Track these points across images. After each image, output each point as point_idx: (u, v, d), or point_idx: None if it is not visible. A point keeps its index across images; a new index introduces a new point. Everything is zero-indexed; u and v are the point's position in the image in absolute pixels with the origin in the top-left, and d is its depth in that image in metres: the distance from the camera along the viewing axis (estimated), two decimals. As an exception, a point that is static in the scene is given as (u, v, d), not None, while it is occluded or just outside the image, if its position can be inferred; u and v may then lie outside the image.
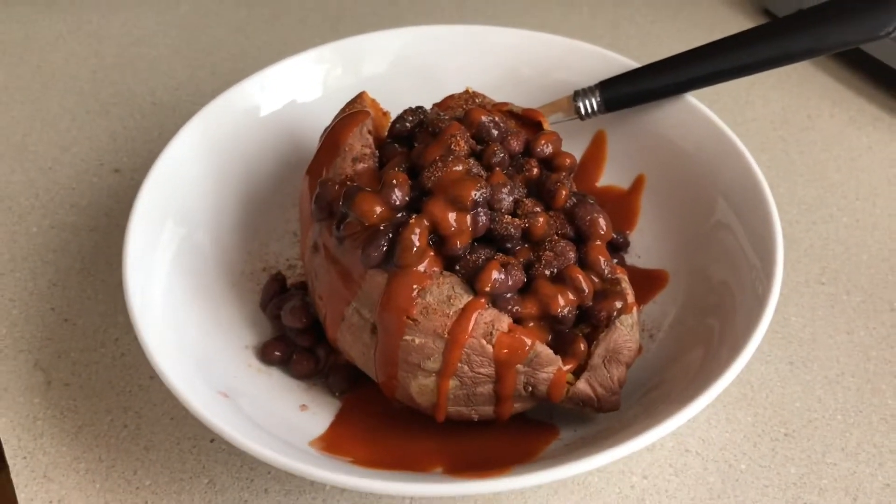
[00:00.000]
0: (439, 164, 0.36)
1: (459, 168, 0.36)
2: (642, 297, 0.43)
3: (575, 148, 0.47)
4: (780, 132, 0.56)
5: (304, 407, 0.39)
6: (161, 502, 0.37)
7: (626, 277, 0.38)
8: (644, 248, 0.45)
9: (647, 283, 0.43)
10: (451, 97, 0.43)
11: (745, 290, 0.37)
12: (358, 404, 0.39)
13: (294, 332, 0.40)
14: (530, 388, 0.35)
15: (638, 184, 0.47)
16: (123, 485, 0.38)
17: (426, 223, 0.34)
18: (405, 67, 0.49)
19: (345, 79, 0.48)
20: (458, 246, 0.35)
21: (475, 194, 0.35)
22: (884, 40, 0.42)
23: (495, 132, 0.39)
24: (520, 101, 0.45)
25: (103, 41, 0.63)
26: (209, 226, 0.43)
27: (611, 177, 0.48)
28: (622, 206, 0.47)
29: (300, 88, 0.48)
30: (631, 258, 0.45)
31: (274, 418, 0.37)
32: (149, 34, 0.64)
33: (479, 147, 0.38)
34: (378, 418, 0.39)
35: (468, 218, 0.35)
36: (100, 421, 0.40)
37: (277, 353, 0.40)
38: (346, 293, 0.36)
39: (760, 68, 0.43)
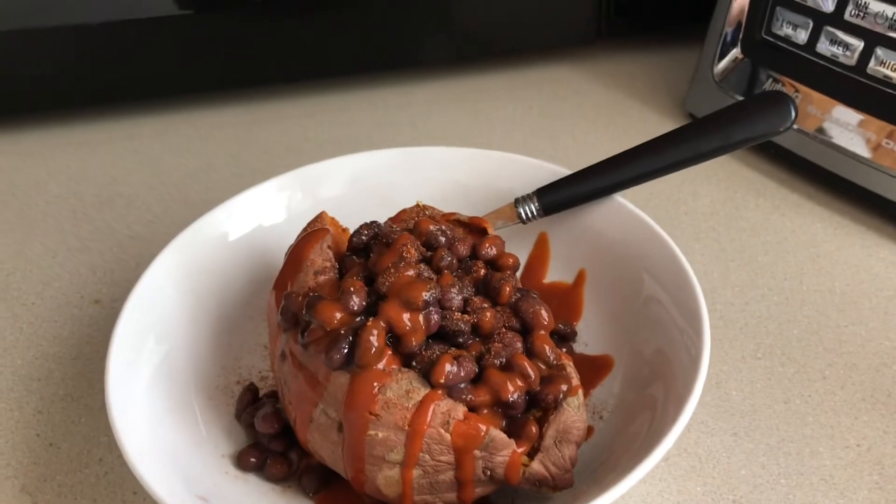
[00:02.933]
0: (392, 270, 0.40)
1: (411, 273, 0.40)
2: (590, 381, 0.46)
3: (521, 250, 0.52)
4: (711, 223, 0.60)
5: (280, 509, 0.41)
6: None
7: (570, 363, 0.41)
8: (590, 336, 0.49)
9: (594, 368, 0.47)
10: (403, 211, 0.48)
11: (680, 352, 0.41)
12: (331, 502, 0.42)
13: (267, 438, 0.43)
14: (489, 472, 0.38)
15: (580, 278, 0.51)
16: None
17: (383, 324, 0.38)
18: (360, 188, 0.53)
19: (305, 202, 0.53)
20: (414, 343, 0.38)
21: (426, 295, 0.38)
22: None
23: (443, 239, 0.43)
24: (467, 211, 0.49)
25: (81, 183, 0.67)
26: (186, 344, 0.46)
27: (555, 274, 0.52)
28: (567, 299, 0.51)
29: (265, 213, 0.52)
30: (579, 347, 0.48)
31: (251, 519, 0.39)
32: (124, 173, 0.68)
33: (428, 253, 0.42)
34: (350, 513, 0.41)
35: (421, 317, 0.38)
36: (85, 538, 0.42)
37: (252, 460, 0.43)
38: (313, 395, 0.39)
39: (678, 167, 0.48)
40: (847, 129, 0.59)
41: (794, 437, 0.46)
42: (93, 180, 0.68)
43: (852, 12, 0.57)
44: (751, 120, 0.47)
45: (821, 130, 0.60)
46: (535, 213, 0.51)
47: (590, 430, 0.44)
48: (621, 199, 0.49)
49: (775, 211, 0.61)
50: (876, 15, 0.56)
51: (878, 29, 0.56)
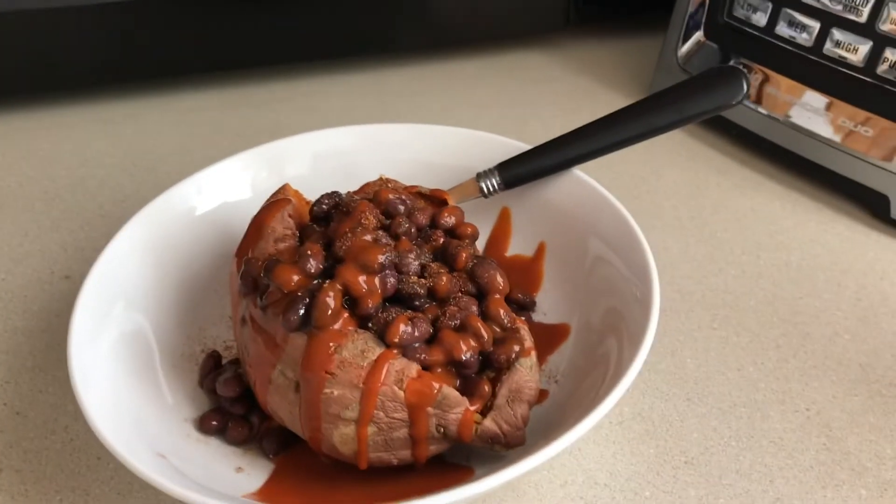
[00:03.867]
0: (349, 234, 0.41)
1: (368, 237, 0.41)
2: (547, 349, 0.47)
3: (484, 225, 0.53)
4: (672, 201, 0.62)
5: (239, 469, 0.42)
6: (108, 570, 0.40)
7: (525, 327, 0.42)
8: (549, 306, 0.50)
9: (552, 336, 0.48)
10: (366, 184, 0.48)
11: (630, 304, 0.42)
12: (290, 463, 0.42)
13: (228, 402, 0.44)
14: (442, 430, 0.39)
15: (540, 250, 0.52)
16: (72, 557, 0.40)
17: (339, 287, 0.39)
18: (325, 165, 0.54)
19: (270, 179, 0.54)
20: (370, 305, 0.39)
21: (381, 258, 0.39)
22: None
23: (402, 207, 0.44)
24: (429, 186, 0.50)
25: (54, 164, 0.68)
26: (150, 313, 0.47)
27: (518, 247, 0.53)
28: (528, 271, 0.52)
29: (231, 190, 0.53)
30: (538, 316, 0.50)
31: (211, 477, 0.40)
32: (97, 156, 0.69)
33: (387, 221, 0.43)
34: (309, 473, 0.42)
35: (377, 280, 0.39)
36: (49, 501, 0.43)
37: (214, 423, 0.43)
38: (271, 357, 0.40)
39: (635, 141, 0.49)
40: (807, 109, 0.60)
41: (746, 402, 0.47)
42: (65, 162, 0.68)
43: (809, -6, 0.59)
44: (704, 94, 0.48)
45: (781, 111, 0.62)
46: (496, 186, 0.52)
47: (544, 393, 0.45)
48: (578, 171, 0.51)
49: (735, 189, 0.63)
50: (831, -4, 0.57)
51: (834, 10, 0.57)
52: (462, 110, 0.74)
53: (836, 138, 0.59)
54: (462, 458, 0.42)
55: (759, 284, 0.54)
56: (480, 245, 0.54)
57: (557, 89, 0.76)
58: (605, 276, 0.46)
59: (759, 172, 0.65)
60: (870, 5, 0.55)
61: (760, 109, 0.63)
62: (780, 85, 0.62)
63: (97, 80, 0.75)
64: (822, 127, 0.60)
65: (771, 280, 0.55)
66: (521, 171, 0.51)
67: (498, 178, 0.51)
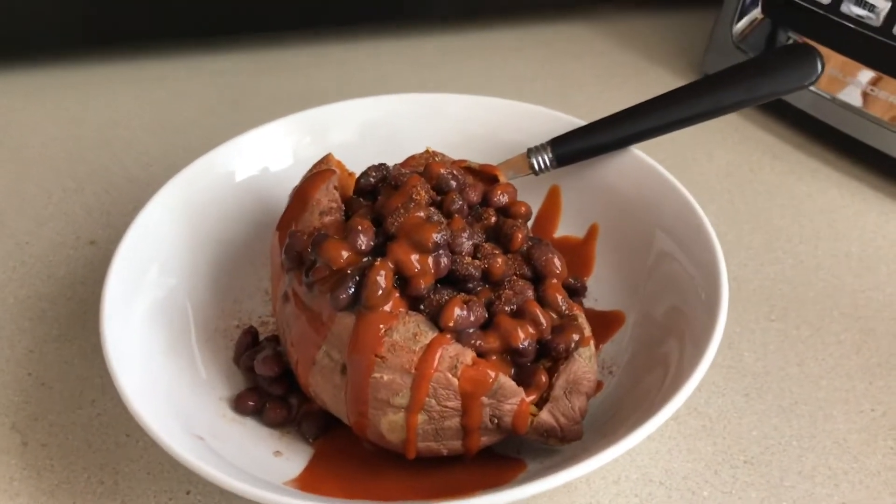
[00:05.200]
0: (401, 210, 0.38)
1: (421, 214, 0.38)
2: (601, 337, 0.45)
3: (532, 203, 0.50)
4: (725, 185, 0.59)
5: (278, 453, 0.40)
6: (138, 554, 0.38)
7: (582, 314, 0.40)
8: (601, 292, 0.47)
9: (605, 323, 0.45)
10: (412, 157, 0.46)
11: (696, 308, 0.39)
12: (331, 449, 0.40)
13: (267, 382, 0.42)
14: (496, 420, 0.37)
15: (592, 232, 0.49)
16: (100, 539, 0.38)
17: (391, 265, 0.36)
18: (369, 134, 0.52)
19: (313, 147, 0.51)
20: (422, 286, 0.37)
21: (436, 237, 0.37)
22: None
23: (454, 183, 0.41)
24: (478, 161, 0.47)
25: (80, 125, 0.65)
26: (184, 284, 0.45)
27: (566, 228, 0.50)
28: (578, 254, 0.49)
29: (271, 156, 0.50)
30: (589, 302, 0.47)
31: (248, 461, 0.38)
32: (124, 117, 0.67)
33: (438, 197, 0.41)
34: (351, 460, 0.40)
35: (430, 259, 0.37)
36: (76, 478, 0.41)
37: (251, 403, 0.41)
38: (316, 337, 0.38)
39: (698, 120, 0.47)
40: (869, 92, 0.57)
41: (808, 399, 0.44)
42: (91, 123, 0.66)
43: (880, -29, 0.55)
44: (776, 74, 0.45)
45: (842, 93, 0.59)
46: (547, 164, 0.49)
47: (599, 384, 0.43)
48: (638, 151, 0.48)
49: (791, 175, 0.60)
50: (905, -26, 0.54)
51: (907, -11, 0.54)
52: (500, 83, 0.71)
53: (885, 117, 0.56)
54: (513, 450, 0.40)
55: (818, 276, 0.52)
56: (529, 223, 0.51)
57: (601, 63, 0.73)
58: (668, 272, 0.43)
59: (814, 157, 0.62)
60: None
61: (820, 92, 0.60)
62: (842, 66, 0.59)
63: (127, 40, 0.72)
64: (885, 111, 0.57)
65: (830, 271, 0.52)
66: (575, 149, 0.49)
67: (550, 155, 0.49)
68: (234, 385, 0.43)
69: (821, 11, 0.60)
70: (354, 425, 0.38)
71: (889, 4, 0.56)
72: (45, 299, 0.50)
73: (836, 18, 0.59)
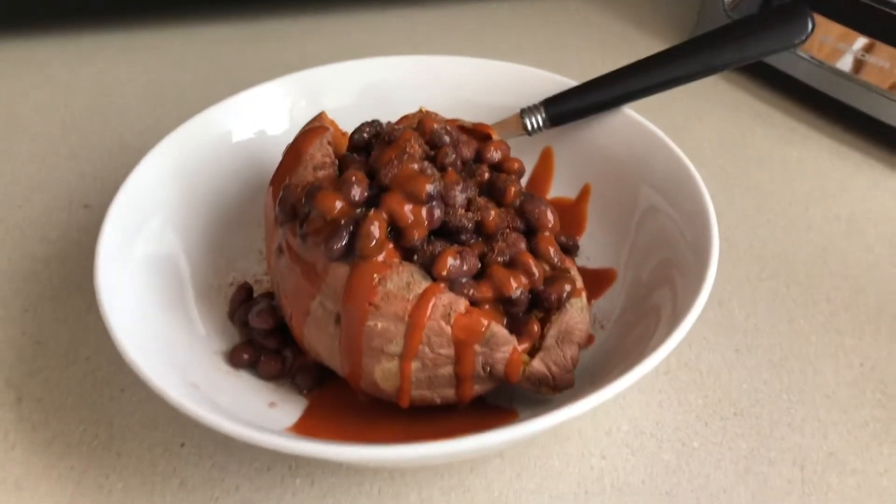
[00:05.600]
0: (395, 162, 0.38)
1: (414, 166, 0.38)
2: (593, 294, 0.45)
3: (525, 164, 0.50)
4: (717, 150, 0.59)
5: (272, 404, 0.40)
6: (133, 503, 0.38)
7: (574, 267, 0.40)
8: (593, 250, 0.48)
9: (597, 281, 0.46)
10: (405, 116, 0.46)
11: (686, 257, 0.40)
12: (325, 400, 0.41)
13: (261, 335, 0.42)
14: (488, 368, 0.37)
15: (584, 193, 0.49)
16: (95, 489, 0.38)
17: (384, 216, 0.37)
18: (364, 97, 0.52)
19: (309, 109, 0.51)
20: (416, 237, 0.37)
21: (429, 188, 0.37)
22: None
23: (447, 138, 0.41)
24: (472, 121, 0.48)
25: (72, 92, 0.65)
26: (179, 242, 0.45)
27: (560, 189, 0.51)
28: (571, 214, 0.49)
29: (266, 119, 0.50)
30: (581, 261, 0.47)
31: (243, 412, 0.38)
32: (117, 85, 0.66)
33: (432, 152, 0.41)
34: (345, 411, 0.40)
35: (423, 210, 0.37)
36: (71, 432, 0.41)
37: (245, 356, 0.41)
38: (310, 288, 0.38)
39: (689, 79, 0.47)
40: (859, 58, 0.58)
41: (798, 355, 0.45)
42: (83, 91, 0.66)
43: (871, -64, 0.56)
44: (767, 32, 0.45)
45: (832, 60, 0.59)
46: (540, 124, 0.49)
47: (591, 338, 0.43)
48: (628, 110, 0.48)
49: (781, 140, 0.60)
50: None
51: (898, -47, 0.55)
52: (495, 54, 0.71)
53: (884, 85, 0.56)
54: (505, 400, 0.40)
55: (807, 237, 0.52)
56: (522, 178, 0.51)
57: (594, 34, 0.73)
58: (658, 226, 0.44)
59: (805, 123, 0.62)
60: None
61: (810, 57, 0.60)
62: (833, 32, 0.59)
63: (118, 8, 0.72)
64: (876, 77, 0.57)
65: (820, 233, 0.52)
66: (567, 108, 0.49)
67: (543, 115, 0.49)
68: (229, 340, 0.43)
69: (812, -22, 0.60)
70: (349, 375, 0.38)
71: (880, -30, 0.56)
72: (40, 261, 0.50)
73: (827, -15, 0.59)
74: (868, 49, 0.57)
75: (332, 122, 0.45)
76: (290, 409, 0.40)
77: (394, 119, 0.47)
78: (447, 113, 0.49)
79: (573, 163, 0.50)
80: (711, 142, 0.60)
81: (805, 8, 0.44)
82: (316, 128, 0.43)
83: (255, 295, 0.45)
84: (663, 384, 0.43)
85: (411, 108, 0.48)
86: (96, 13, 0.73)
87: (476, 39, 0.73)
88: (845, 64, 0.59)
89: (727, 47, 0.46)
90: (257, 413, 0.39)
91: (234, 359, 0.42)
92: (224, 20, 0.74)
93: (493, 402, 0.40)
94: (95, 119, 0.63)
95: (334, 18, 0.75)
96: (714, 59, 0.46)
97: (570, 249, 0.48)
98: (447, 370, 0.37)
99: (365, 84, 0.52)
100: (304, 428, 0.38)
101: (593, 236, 0.48)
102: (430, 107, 0.49)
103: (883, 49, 0.57)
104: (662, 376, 0.44)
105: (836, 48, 0.59)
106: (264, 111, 0.50)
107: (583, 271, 0.46)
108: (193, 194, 0.46)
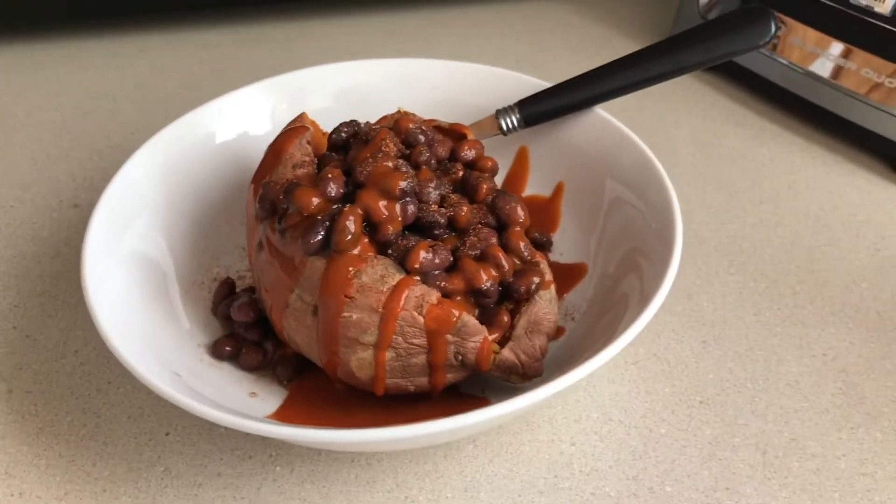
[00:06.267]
0: (370, 160, 0.40)
1: (389, 164, 0.40)
2: (565, 287, 0.47)
3: (502, 163, 0.52)
4: (690, 149, 0.61)
5: (253, 394, 0.41)
6: (119, 489, 0.39)
7: (545, 261, 0.42)
8: (566, 246, 0.49)
9: (569, 275, 0.47)
10: (384, 117, 0.48)
11: (652, 244, 0.42)
12: (304, 390, 0.42)
13: (243, 327, 0.43)
14: (460, 357, 0.39)
15: (558, 190, 0.51)
16: (83, 476, 0.40)
17: (360, 211, 0.38)
18: (344, 99, 0.53)
19: (290, 111, 0.53)
20: (390, 231, 0.38)
21: (403, 184, 0.39)
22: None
23: (422, 137, 0.43)
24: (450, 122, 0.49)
25: (64, 95, 0.67)
26: (163, 240, 0.46)
27: (535, 187, 0.52)
28: (545, 211, 0.51)
29: (249, 120, 0.52)
30: (555, 256, 0.49)
31: (225, 399, 0.39)
32: (108, 88, 0.68)
33: (407, 151, 0.43)
34: (323, 400, 0.41)
35: (397, 206, 0.39)
36: (60, 422, 0.42)
37: (228, 348, 0.43)
38: (289, 281, 0.40)
39: (659, 80, 0.48)
40: (830, 60, 0.59)
41: (763, 346, 0.46)
42: (74, 93, 0.67)
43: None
44: (732, 33, 0.47)
45: (804, 62, 0.61)
46: (515, 124, 0.51)
47: (561, 330, 0.45)
48: (599, 110, 0.50)
49: (754, 140, 0.62)
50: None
51: (863, -42, 0.56)
52: (477, 56, 0.73)
53: (859, 90, 0.58)
54: (478, 389, 0.42)
55: (776, 233, 0.54)
56: (498, 184, 0.53)
57: (575, 37, 0.75)
58: (624, 216, 0.46)
59: (777, 124, 0.64)
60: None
61: (782, 60, 0.62)
62: (804, 35, 0.61)
63: (109, 14, 0.73)
64: (844, 78, 0.59)
65: (789, 229, 0.54)
66: (541, 109, 0.50)
67: (518, 116, 0.51)
68: (212, 333, 0.45)
69: (783, -18, 0.62)
70: (326, 364, 0.40)
71: (847, -26, 0.58)
72: (30, 258, 0.52)
73: (797, -11, 0.61)
74: (843, 54, 0.59)
75: (313, 123, 0.47)
76: (270, 398, 0.41)
77: (374, 120, 0.48)
78: (425, 114, 0.51)
79: (548, 162, 0.52)
80: (685, 141, 0.62)
81: (768, 11, 0.46)
82: (296, 128, 0.45)
83: (237, 290, 0.46)
84: (633, 374, 0.45)
85: (391, 109, 0.50)
86: (88, 18, 0.74)
87: (459, 42, 0.75)
88: (819, 67, 0.60)
89: (694, 49, 0.47)
90: (239, 402, 0.40)
91: (216, 351, 0.43)
92: (212, 25, 0.76)
93: (466, 390, 0.42)
94: (86, 121, 0.64)
95: (320, 22, 0.77)
96: (681, 61, 0.48)
97: (543, 245, 0.49)
98: (420, 359, 0.39)
99: (346, 86, 0.54)
100: (283, 416, 0.40)
101: (566, 232, 0.50)
102: (409, 108, 0.51)
103: (856, 53, 0.58)
104: (632, 366, 0.45)
105: (811, 52, 0.60)
106: (247, 113, 0.52)
107: (556, 266, 0.48)
108: (178, 193, 0.48)
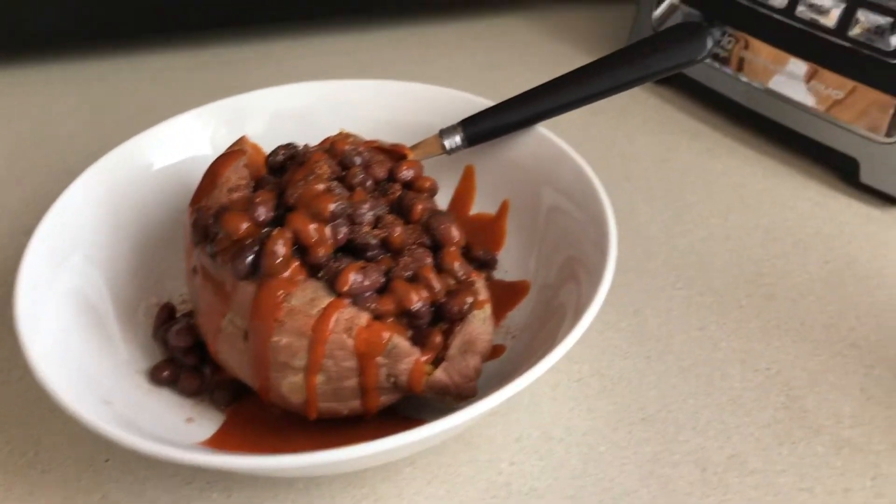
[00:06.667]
0: (301, 182, 0.40)
1: (320, 186, 0.40)
2: (508, 305, 0.47)
3: (448, 183, 0.53)
4: (643, 164, 0.61)
5: (190, 419, 0.41)
6: (54, 518, 0.39)
7: (481, 280, 0.42)
8: (511, 264, 0.49)
9: (512, 293, 0.47)
10: (326, 139, 0.48)
11: (587, 250, 0.42)
12: (241, 414, 0.42)
13: (181, 353, 0.43)
14: (392, 379, 0.38)
15: (503, 208, 0.51)
16: (18, 505, 0.40)
17: (289, 234, 0.38)
18: (287, 122, 0.53)
19: (231, 136, 0.53)
20: (321, 254, 0.38)
21: (333, 206, 0.39)
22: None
23: (358, 159, 0.43)
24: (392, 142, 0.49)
25: (19, 121, 0.67)
26: (105, 266, 0.46)
27: (482, 205, 0.52)
28: (491, 229, 0.51)
29: (190, 145, 0.52)
30: (500, 274, 0.49)
31: (160, 426, 0.39)
32: (64, 114, 0.68)
33: (343, 172, 0.43)
34: (259, 424, 0.41)
35: (328, 229, 0.39)
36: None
37: (165, 374, 0.43)
38: (221, 306, 0.40)
39: (600, 96, 0.49)
40: (779, 73, 0.60)
41: (707, 360, 0.46)
42: (31, 120, 0.68)
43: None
44: (670, 49, 0.47)
45: (755, 76, 0.61)
46: (459, 143, 0.51)
47: (500, 348, 0.44)
48: (540, 127, 0.50)
49: (707, 153, 0.62)
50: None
51: (808, -29, 0.57)
52: (436, 74, 0.73)
53: (808, 102, 0.58)
54: (414, 410, 0.42)
55: (725, 246, 0.54)
56: (444, 203, 0.53)
57: (533, 54, 0.75)
58: (561, 227, 0.46)
59: (731, 137, 0.64)
60: (843, -35, 0.55)
61: (733, 73, 0.62)
62: (754, 48, 0.61)
63: (65, 40, 0.73)
64: (794, 91, 0.59)
65: (739, 242, 0.54)
66: (484, 128, 0.51)
67: (461, 135, 0.51)
68: (153, 359, 0.44)
69: (731, -4, 0.62)
70: (259, 389, 0.39)
71: (793, -13, 0.58)
72: (-22, 286, 0.52)
73: (743, 2, 0.61)
74: (795, 68, 0.59)
75: (255, 146, 0.47)
76: (207, 423, 0.41)
77: (318, 141, 0.48)
78: (370, 134, 0.51)
79: (493, 180, 0.52)
80: (639, 157, 0.62)
81: (704, 27, 0.46)
82: (233, 151, 0.45)
83: (178, 314, 0.46)
84: (575, 392, 0.45)
85: (335, 131, 0.50)
86: (41, 46, 0.75)
87: (418, 60, 0.75)
88: (770, 82, 0.60)
89: (634, 65, 0.48)
90: (174, 428, 0.40)
91: (154, 376, 0.43)
92: (171, 49, 0.76)
93: (402, 412, 0.41)
94: (43, 148, 0.64)
95: (280, 45, 0.77)
96: (622, 77, 0.48)
97: (488, 263, 0.49)
98: (352, 382, 0.38)
99: (286, 109, 0.54)
100: (217, 442, 0.40)
101: (511, 250, 0.50)
102: (354, 129, 0.51)
103: (806, 66, 0.58)
104: (574, 384, 0.45)
105: (763, 66, 0.61)
106: (188, 138, 0.52)
107: (498, 284, 0.48)
108: (121, 221, 0.48)
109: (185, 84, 0.72)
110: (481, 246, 0.50)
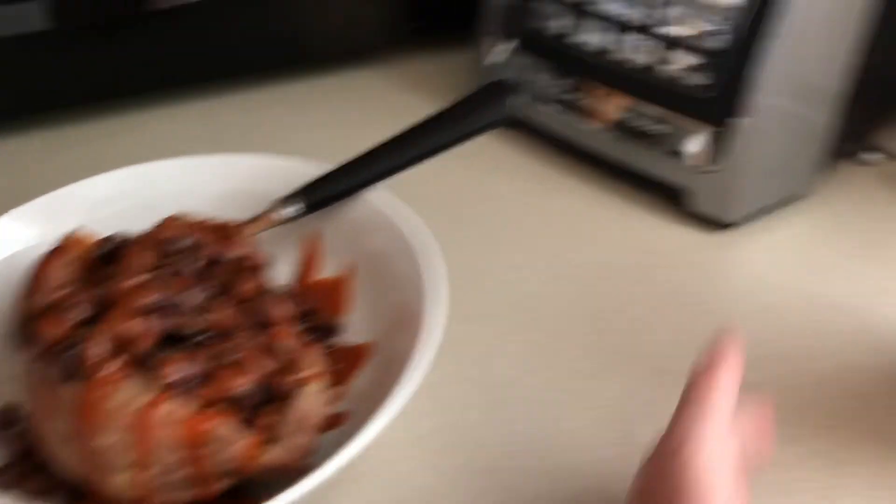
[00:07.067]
0: (119, 277, 0.40)
1: (139, 279, 0.40)
2: (351, 370, 0.47)
3: (292, 251, 0.53)
4: (480, 209, 0.63)
5: (30, 525, 0.41)
6: None
7: (314, 352, 0.43)
8: (361, 325, 0.50)
9: (354, 357, 0.48)
10: (157, 223, 0.48)
11: (424, 308, 0.44)
12: (83, 515, 0.42)
13: (19, 456, 0.43)
14: (224, 466, 0.39)
15: (351, 271, 0.52)
16: None
17: (106, 332, 0.38)
18: (123, 205, 0.53)
19: (63, 229, 0.51)
20: (142, 348, 0.39)
21: (150, 299, 0.39)
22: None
23: (183, 244, 0.44)
24: (238, 216, 0.50)
25: None
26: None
27: (333, 268, 0.53)
28: (336, 293, 0.52)
29: (23, 242, 0.51)
30: (351, 337, 0.50)
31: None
32: None
33: (166, 259, 0.43)
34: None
35: (147, 322, 0.39)
36: None
37: (4, 478, 0.42)
38: (47, 410, 0.40)
39: (424, 158, 0.51)
40: (611, 110, 0.62)
41: (551, 403, 0.48)
42: None
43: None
44: (477, 111, 0.50)
45: (589, 117, 0.64)
46: (299, 211, 0.52)
47: (345, 415, 0.45)
48: (376, 188, 0.52)
49: (550, 193, 0.64)
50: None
51: (622, 18, 0.60)
52: (293, 134, 0.73)
53: (634, 137, 0.61)
54: (261, 489, 0.42)
55: (568, 287, 0.56)
56: (290, 272, 0.53)
57: (387, 107, 0.76)
58: (400, 282, 0.47)
59: (574, 177, 0.66)
60: (654, 12, 0.58)
61: (570, 115, 0.65)
62: (586, 90, 0.64)
63: None
64: (622, 126, 0.62)
65: (580, 281, 0.56)
66: (323, 193, 0.52)
67: (300, 203, 0.52)
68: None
69: (553, 40, 0.64)
70: (93, 490, 0.39)
71: (612, 29, 0.61)
72: None
73: (567, 46, 0.63)
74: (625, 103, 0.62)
75: (88, 235, 0.47)
76: (50, 527, 0.41)
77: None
78: (214, 209, 0.51)
79: (340, 243, 0.53)
80: (475, 201, 0.64)
81: (503, 86, 0.49)
82: (58, 248, 0.45)
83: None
84: (417, 452, 0.45)
85: (175, 210, 0.50)
86: None
87: (273, 121, 0.75)
88: (600, 118, 0.63)
89: (448, 128, 0.50)
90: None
91: (-6, 482, 0.42)
92: (23, 131, 0.75)
93: (245, 491, 0.42)
94: None
95: (135, 116, 0.76)
96: (441, 139, 0.50)
97: (330, 330, 0.50)
98: (184, 473, 0.39)
99: (125, 191, 0.54)
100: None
101: (361, 311, 0.51)
102: (195, 206, 0.51)
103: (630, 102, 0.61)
104: (418, 442, 0.46)
105: (589, 105, 0.63)
106: (18, 236, 0.51)
107: (341, 351, 0.49)
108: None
109: (29, 170, 0.70)
110: (329, 311, 0.51)
